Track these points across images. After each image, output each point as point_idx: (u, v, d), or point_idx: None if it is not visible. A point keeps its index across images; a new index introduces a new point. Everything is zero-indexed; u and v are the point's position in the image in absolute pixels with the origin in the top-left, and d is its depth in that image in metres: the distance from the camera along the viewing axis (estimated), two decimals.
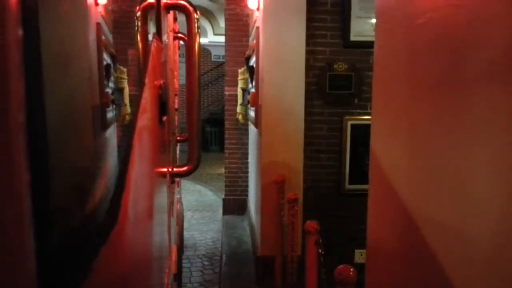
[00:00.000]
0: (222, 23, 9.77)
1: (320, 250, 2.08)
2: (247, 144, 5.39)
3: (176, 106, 3.00)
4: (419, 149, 0.96)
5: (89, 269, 0.36)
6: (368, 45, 2.89)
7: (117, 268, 0.49)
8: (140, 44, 0.90)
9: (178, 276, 2.29)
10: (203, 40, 11.39)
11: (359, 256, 3.47)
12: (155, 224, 0.94)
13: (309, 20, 3.34)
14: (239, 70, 5.10)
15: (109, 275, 0.45)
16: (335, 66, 3.43)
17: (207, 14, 11.26)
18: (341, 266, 1.48)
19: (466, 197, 0.76)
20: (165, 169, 1.25)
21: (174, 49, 2.57)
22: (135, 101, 0.72)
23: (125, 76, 0.74)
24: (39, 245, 0.27)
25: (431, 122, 0.90)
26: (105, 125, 0.59)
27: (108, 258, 0.43)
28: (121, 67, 0.71)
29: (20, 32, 0.24)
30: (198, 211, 6.19)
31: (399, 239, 1.08)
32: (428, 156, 0.91)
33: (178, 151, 2.87)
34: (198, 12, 1.37)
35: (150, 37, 1.00)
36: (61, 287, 0.32)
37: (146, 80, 0.76)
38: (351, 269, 1.47)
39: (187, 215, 5.82)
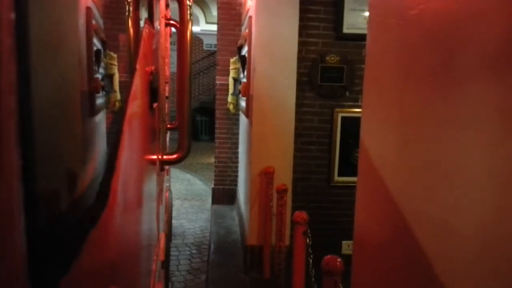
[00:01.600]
0: (214, 12, 9.69)
1: (308, 241, 2.10)
2: (237, 134, 5.39)
3: (167, 94, 2.98)
4: (409, 142, 0.97)
5: (78, 251, 0.36)
6: (361, 37, 2.90)
7: (106, 250, 0.49)
8: (131, 30, 0.89)
9: (166, 264, 2.30)
10: (195, 28, 11.28)
11: (347, 247, 3.51)
12: (144, 210, 0.95)
13: (302, 11, 3.33)
14: (231, 60, 5.08)
15: (98, 258, 0.45)
16: (327, 58, 3.43)
17: (200, 2, 11.15)
18: (328, 256, 1.50)
19: (455, 189, 0.77)
20: (154, 156, 1.24)
21: (165, 36, 2.55)
22: (126, 87, 0.72)
23: (115, 62, 0.73)
24: (29, 228, 0.27)
25: (421, 115, 0.90)
26: (94, 111, 0.59)
27: (97, 241, 0.43)
28: (111, 53, 0.71)
29: (13, 16, 0.24)
30: (187, 200, 6.19)
31: (386, 231, 1.09)
32: (418, 149, 0.92)
33: (168, 139, 2.86)
34: None
35: (142, 23, 0.99)
36: (51, 269, 0.32)
37: (137, 66, 0.75)
38: (338, 259, 1.49)
39: (176, 203, 5.82)
